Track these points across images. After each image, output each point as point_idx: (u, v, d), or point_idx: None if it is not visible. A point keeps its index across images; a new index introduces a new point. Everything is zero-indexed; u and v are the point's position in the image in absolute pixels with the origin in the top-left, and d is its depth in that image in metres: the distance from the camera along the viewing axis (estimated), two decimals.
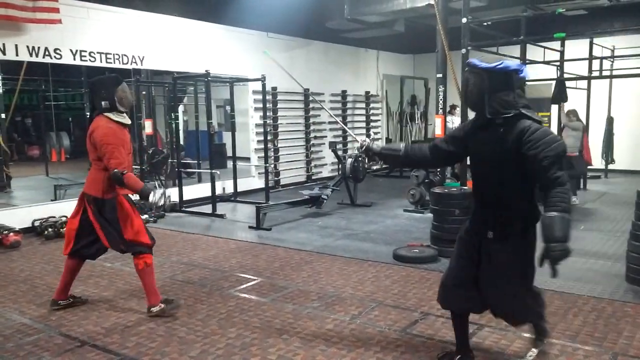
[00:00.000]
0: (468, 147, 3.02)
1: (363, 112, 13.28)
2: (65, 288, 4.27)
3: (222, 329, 3.84)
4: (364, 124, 13.25)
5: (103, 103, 3.97)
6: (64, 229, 6.78)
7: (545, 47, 9.15)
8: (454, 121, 10.70)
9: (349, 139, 12.67)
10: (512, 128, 2.77)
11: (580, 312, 4.05)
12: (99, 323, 4.00)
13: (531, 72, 3.10)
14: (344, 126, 4.80)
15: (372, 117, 13.51)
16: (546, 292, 3.46)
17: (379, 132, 13.82)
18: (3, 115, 9.56)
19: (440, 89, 7.87)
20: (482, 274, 2.97)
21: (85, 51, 7.65)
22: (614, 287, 4.63)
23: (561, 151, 2.69)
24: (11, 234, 6.45)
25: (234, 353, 3.47)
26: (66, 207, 7.53)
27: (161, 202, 3.95)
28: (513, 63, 2.83)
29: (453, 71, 7.35)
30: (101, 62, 7.87)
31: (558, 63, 9.24)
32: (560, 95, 8.85)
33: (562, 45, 9.43)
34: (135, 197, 4.09)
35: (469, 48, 7.07)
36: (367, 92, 13.25)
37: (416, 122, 14.29)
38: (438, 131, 7.92)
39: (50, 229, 6.84)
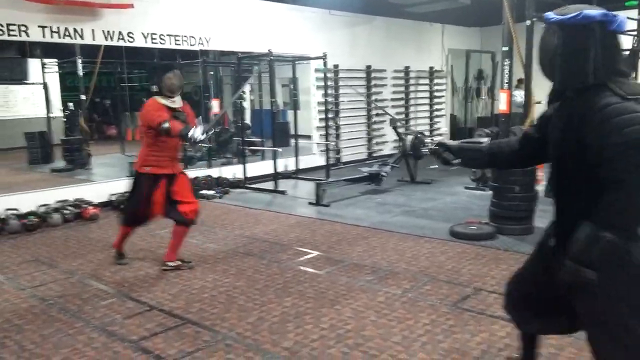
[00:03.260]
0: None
1: (427, 88, 13.07)
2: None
3: (279, 298, 4.05)
4: (427, 100, 13.05)
5: (153, 87, 4.64)
6: None
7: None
8: (522, 95, 10.35)
9: (411, 115, 12.58)
10: (584, 105, 1.93)
11: None
12: (166, 290, 4.32)
13: None
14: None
15: (436, 94, 13.26)
16: None
17: (442, 109, 13.55)
18: (83, 97, 10.14)
19: (505, 63, 7.63)
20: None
21: (156, 34, 7.99)
22: None
23: (635, 139, 1.78)
24: (90, 207, 6.97)
25: (288, 321, 3.66)
26: None
27: (200, 137, 4.31)
28: (598, 12, 1.92)
29: (517, 44, 7.12)
30: (170, 44, 8.20)
31: (635, 33, 8.71)
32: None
33: None
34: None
35: (534, 19, 6.82)
36: (431, 68, 13.02)
37: (482, 97, 13.90)
38: (503, 106, 7.70)
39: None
